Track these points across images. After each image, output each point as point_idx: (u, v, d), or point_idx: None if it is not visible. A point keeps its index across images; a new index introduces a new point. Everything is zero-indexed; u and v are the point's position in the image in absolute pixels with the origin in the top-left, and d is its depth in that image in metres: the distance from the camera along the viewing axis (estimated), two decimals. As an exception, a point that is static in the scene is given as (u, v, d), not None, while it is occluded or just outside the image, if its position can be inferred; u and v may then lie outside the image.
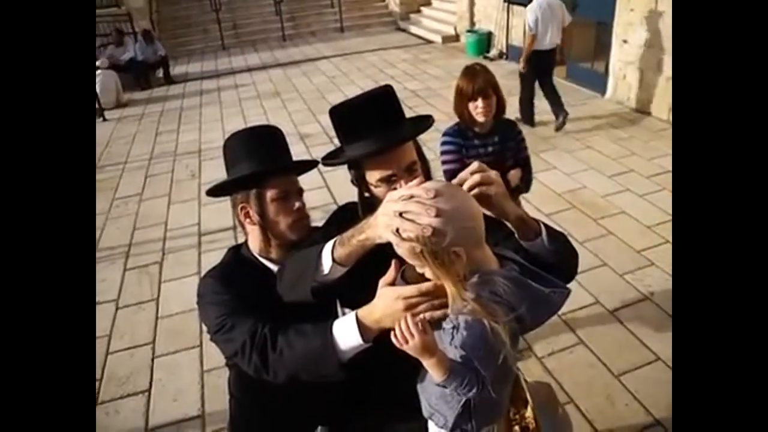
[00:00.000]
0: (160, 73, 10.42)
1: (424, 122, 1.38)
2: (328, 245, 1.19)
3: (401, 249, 1.05)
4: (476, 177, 1.12)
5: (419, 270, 1.08)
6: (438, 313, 1.09)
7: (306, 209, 1.53)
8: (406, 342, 1.03)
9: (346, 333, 1.20)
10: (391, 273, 1.15)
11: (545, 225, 1.24)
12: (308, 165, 1.62)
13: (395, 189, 1.26)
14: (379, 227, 1.08)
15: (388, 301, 1.13)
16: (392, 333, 1.04)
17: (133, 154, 6.81)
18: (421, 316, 1.07)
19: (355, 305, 1.22)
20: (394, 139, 1.27)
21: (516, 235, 1.23)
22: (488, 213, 1.15)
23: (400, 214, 1.02)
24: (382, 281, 1.16)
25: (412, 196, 1.03)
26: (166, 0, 13.34)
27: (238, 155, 1.51)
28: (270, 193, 1.47)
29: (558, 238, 1.25)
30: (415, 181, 1.10)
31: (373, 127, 1.27)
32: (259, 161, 1.47)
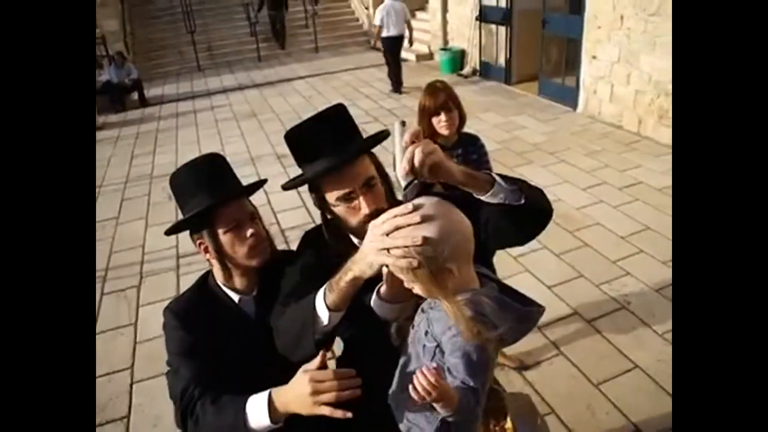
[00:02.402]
0: (135, 95, 10.35)
1: (376, 137, 1.36)
2: (319, 296, 1.16)
3: (394, 264, 1.04)
4: (419, 152, 1.06)
5: (408, 285, 1.07)
6: (345, 394, 1.09)
7: (262, 233, 1.51)
8: (429, 395, 0.98)
9: (257, 412, 1.20)
10: (316, 361, 1.14)
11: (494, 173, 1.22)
12: (255, 186, 1.61)
13: (354, 206, 1.26)
14: (366, 258, 1.06)
15: (298, 384, 1.13)
16: (411, 387, 0.99)
17: (109, 177, 6.73)
18: (434, 364, 1.04)
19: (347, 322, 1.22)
20: (348, 155, 1.25)
21: (474, 194, 1.18)
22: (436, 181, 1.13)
23: (388, 234, 1.01)
24: (304, 366, 1.16)
25: (396, 217, 1.02)
26: (140, 22, 13.32)
27: (183, 193, 1.51)
28: (221, 227, 1.45)
29: (511, 178, 1.22)
30: (400, 207, 1.05)
31: (326, 146, 1.26)
32: (204, 196, 1.45)
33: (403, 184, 1.09)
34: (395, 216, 1.03)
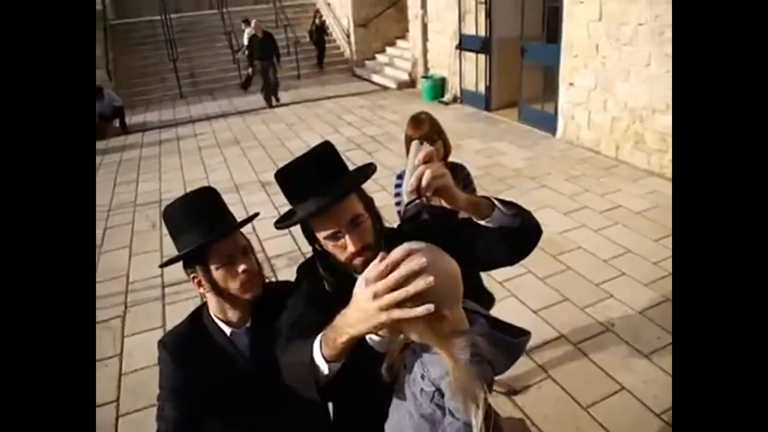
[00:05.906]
0: (117, 123, 10.33)
1: (364, 173, 1.38)
2: (316, 348, 1.12)
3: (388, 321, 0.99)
4: (428, 173, 1.12)
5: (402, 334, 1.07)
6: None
7: (254, 267, 1.52)
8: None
9: None
10: None
11: (493, 197, 1.29)
12: (247, 221, 1.63)
13: (341, 244, 1.29)
14: (359, 320, 1.01)
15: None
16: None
17: (91, 205, 6.67)
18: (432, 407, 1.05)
19: None
20: (332, 197, 1.26)
21: (473, 218, 1.26)
22: (441, 204, 1.20)
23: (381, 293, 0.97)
24: None
25: (385, 275, 0.97)
26: (122, 50, 13.35)
27: (178, 227, 1.52)
28: (213, 263, 1.47)
29: (510, 203, 1.29)
30: (376, 262, 1.01)
31: (315, 185, 1.28)
32: (197, 232, 1.46)
33: (406, 199, 1.18)
34: (385, 272, 0.98)
